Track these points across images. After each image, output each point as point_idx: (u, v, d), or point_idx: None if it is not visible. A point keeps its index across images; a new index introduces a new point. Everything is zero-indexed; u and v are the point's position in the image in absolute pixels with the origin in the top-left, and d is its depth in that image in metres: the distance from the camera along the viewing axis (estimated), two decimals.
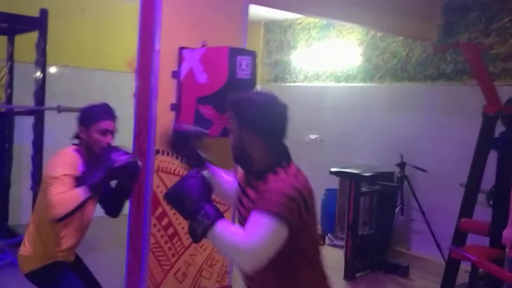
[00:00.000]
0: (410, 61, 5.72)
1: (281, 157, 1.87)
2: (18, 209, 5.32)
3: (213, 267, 3.64)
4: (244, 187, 1.96)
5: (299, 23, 6.75)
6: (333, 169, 5.41)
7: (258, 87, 7.04)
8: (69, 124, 5.55)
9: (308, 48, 6.67)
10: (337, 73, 6.48)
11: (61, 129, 5.78)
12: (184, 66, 3.24)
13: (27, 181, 4.60)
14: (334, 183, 5.80)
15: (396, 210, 5.43)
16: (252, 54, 3.03)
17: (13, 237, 4.87)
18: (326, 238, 5.98)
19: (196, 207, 1.69)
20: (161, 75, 3.26)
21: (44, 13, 4.15)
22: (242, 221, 1.86)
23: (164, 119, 3.30)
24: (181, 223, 3.45)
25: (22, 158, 5.08)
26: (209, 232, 1.65)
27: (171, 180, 3.36)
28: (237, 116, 1.88)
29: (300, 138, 6.48)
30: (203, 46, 3.26)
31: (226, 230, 1.66)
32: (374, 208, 5.31)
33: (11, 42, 4.89)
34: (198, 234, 1.66)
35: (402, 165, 5.39)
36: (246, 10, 3.58)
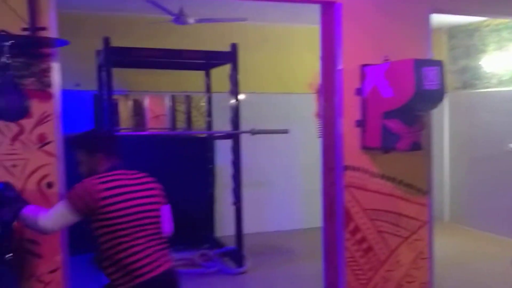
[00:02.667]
0: None
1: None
2: (222, 222, 5.93)
3: (411, 284, 3.59)
4: None
5: (487, 26, 6.26)
6: None
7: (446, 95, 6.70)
8: (262, 144, 6.14)
9: (499, 51, 6.14)
10: None
11: (255, 150, 6.40)
12: (367, 82, 3.29)
13: (228, 197, 5.11)
14: None
15: None
16: (439, 64, 2.95)
17: (220, 247, 5.44)
18: None
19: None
20: (345, 93, 3.37)
21: (234, 47, 4.60)
22: None
23: (350, 135, 3.41)
24: (375, 238, 3.49)
25: (223, 177, 5.67)
26: None
27: (361, 195, 3.44)
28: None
29: (499, 147, 5.94)
30: (385, 61, 3.28)
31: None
32: None
33: (207, 75, 5.53)
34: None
35: None
36: (428, 20, 3.52)
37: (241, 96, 6.30)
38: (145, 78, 6.08)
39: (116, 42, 4.59)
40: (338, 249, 3.46)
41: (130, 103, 7.19)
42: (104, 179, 2.27)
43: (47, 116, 2.82)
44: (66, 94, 5.48)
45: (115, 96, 6.95)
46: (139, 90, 6.39)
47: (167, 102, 6.66)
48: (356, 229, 3.45)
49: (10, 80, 2.42)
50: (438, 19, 5.61)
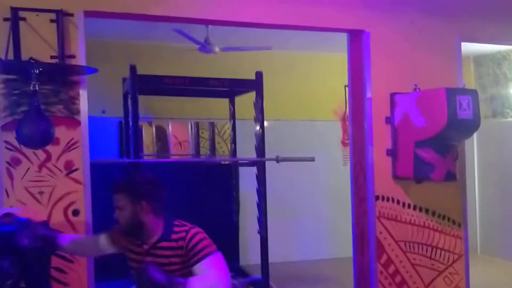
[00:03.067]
0: None
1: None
2: (247, 251, 5.82)
3: None
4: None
5: None
6: None
7: None
8: (287, 172, 6.06)
9: None
10: None
11: (280, 177, 6.32)
12: (398, 110, 3.22)
13: (253, 225, 5.01)
14: None
15: None
16: (473, 93, 2.87)
17: (244, 276, 5.32)
18: None
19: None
20: (375, 121, 3.31)
21: (259, 75, 4.56)
22: None
23: (381, 164, 3.32)
24: (408, 272, 3.36)
25: (247, 204, 5.59)
26: None
27: (393, 226, 3.33)
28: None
29: None
30: (415, 89, 3.21)
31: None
32: None
33: (232, 102, 5.50)
34: None
35: None
36: (458, 48, 3.46)
37: (266, 123, 6.31)
38: (169, 104, 6.10)
39: (142, 70, 4.61)
40: (371, 282, 3.34)
41: (153, 129, 7.25)
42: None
43: (74, 143, 2.81)
44: (93, 120, 5.64)
45: (140, 123, 7.10)
46: (163, 116, 6.42)
47: (190, 128, 6.67)
48: (389, 262, 3.34)
49: (36, 107, 2.41)
50: (464, 47, 5.54)
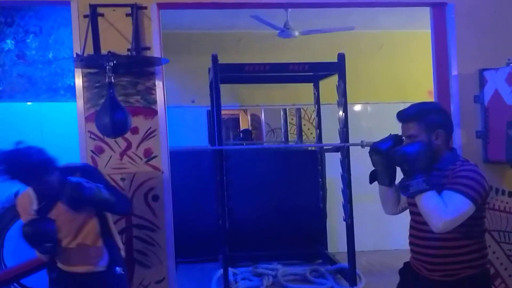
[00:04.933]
0: None
1: None
2: (335, 238, 5.72)
3: None
4: None
5: None
6: None
7: None
8: None
9: None
10: None
11: (365, 163, 6.08)
12: (488, 88, 2.94)
13: (340, 212, 4.91)
14: None
15: None
16: None
17: (333, 264, 5.25)
18: None
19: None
20: (462, 101, 3.07)
21: (341, 57, 4.43)
22: None
23: (470, 148, 3.06)
24: (502, 264, 3.09)
25: (334, 191, 5.48)
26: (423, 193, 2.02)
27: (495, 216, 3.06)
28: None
29: None
30: (508, 64, 2.90)
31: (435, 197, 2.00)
32: None
33: (316, 87, 5.41)
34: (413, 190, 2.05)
35: None
36: None
37: (355, 107, 6.14)
38: (257, 92, 6.16)
39: (226, 59, 4.69)
40: None
41: (248, 117, 7.39)
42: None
43: (152, 131, 2.93)
44: (182, 110, 5.87)
45: (235, 111, 7.31)
46: (252, 104, 6.50)
47: (282, 115, 6.70)
48: None
49: (111, 98, 2.54)
50: None
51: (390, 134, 2.26)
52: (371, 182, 2.38)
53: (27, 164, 2.14)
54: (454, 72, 3.05)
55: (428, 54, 3.31)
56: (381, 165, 2.24)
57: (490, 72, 2.93)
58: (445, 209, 1.96)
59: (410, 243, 2.28)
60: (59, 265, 2.47)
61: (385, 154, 2.17)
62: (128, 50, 2.76)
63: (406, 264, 2.34)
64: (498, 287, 3.09)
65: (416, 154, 2.04)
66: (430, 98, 3.43)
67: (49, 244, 2.28)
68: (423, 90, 5.78)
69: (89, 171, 2.46)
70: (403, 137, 2.21)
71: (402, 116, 2.20)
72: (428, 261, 2.17)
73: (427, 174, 2.05)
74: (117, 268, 2.49)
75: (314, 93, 5.45)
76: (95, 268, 2.45)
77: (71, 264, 2.45)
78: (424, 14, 3.34)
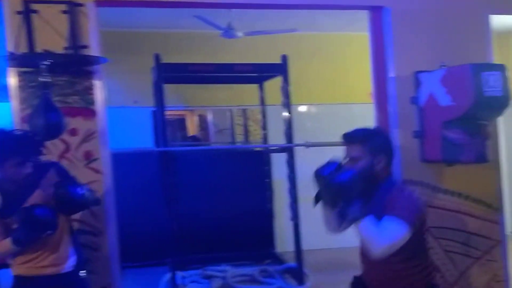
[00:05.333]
0: None
1: None
2: (284, 238, 5.77)
3: None
4: None
5: None
6: None
7: None
8: (318, 158, 5.94)
9: None
10: None
11: (311, 163, 6.18)
12: (423, 90, 3.05)
13: (287, 212, 4.96)
14: None
15: None
16: (501, 68, 2.67)
17: (281, 263, 5.29)
18: None
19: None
20: (399, 102, 3.16)
21: (284, 59, 4.48)
22: None
23: (408, 147, 3.16)
24: (440, 259, 3.21)
25: (281, 191, 5.53)
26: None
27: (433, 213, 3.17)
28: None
29: None
30: (442, 67, 3.02)
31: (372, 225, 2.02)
32: None
33: (261, 88, 5.44)
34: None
35: None
36: (487, 22, 3.23)
37: (300, 108, 6.22)
38: (203, 93, 6.11)
39: (170, 59, 4.62)
40: None
41: (196, 118, 7.32)
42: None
43: (92, 133, 2.83)
44: (125, 110, 5.73)
45: (182, 112, 7.22)
46: (198, 105, 6.45)
47: (229, 116, 6.69)
48: None
49: (46, 99, 2.44)
50: (506, 21, 5.19)
51: (331, 159, 2.22)
52: (315, 203, 2.35)
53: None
54: (392, 74, 3.14)
55: (367, 56, 3.40)
56: (323, 190, 2.20)
57: (425, 75, 3.04)
58: (382, 236, 1.97)
59: (360, 260, 2.32)
60: (19, 269, 2.36)
61: (326, 180, 2.14)
62: (65, 48, 2.66)
63: (356, 278, 2.37)
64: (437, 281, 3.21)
65: (352, 182, 2.05)
66: (369, 99, 3.52)
67: (50, 232, 2.24)
68: (364, 92, 5.94)
69: (62, 169, 2.43)
70: (348, 158, 2.20)
71: (348, 137, 2.21)
72: (375, 279, 2.24)
73: (365, 200, 2.07)
74: (81, 271, 2.45)
75: (259, 94, 5.49)
76: (64, 269, 2.38)
77: (40, 265, 2.35)
78: (364, 17, 3.42)
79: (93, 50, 2.78)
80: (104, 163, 2.86)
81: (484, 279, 3.29)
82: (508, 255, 3.38)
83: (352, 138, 2.20)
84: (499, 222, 3.32)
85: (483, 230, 3.29)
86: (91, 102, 2.81)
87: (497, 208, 3.31)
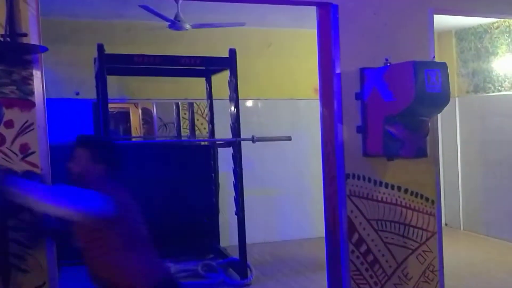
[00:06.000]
0: None
1: None
2: (227, 232, 5.77)
3: None
4: None
5: (497, 27, 6.03)
6: None
7: (456, 100, 6.51)
8: (268, 152, 6.01)
9: (511, 53, 5.90)
10: None
11: (260, 157, 6.26)
12: (367, 86, 3.13)
13: (231, 206, 4.96)
14: None
15: None
16: (442, 66, 2.77)
17: (224, 258, 5.29)
18: None
19: None
20: (344, 97, 3.22)
21: (232, 52, 4.46)
22: None
23: (351, 142, 3.24)
24: (380, 250, 3.32)
25: (227, 185, 5.52)
26: None
27: (364, 205, 3.27)
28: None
29: None
30: (385, 64, 3.11)
31: None
32: None
33: (208, 82, 5.40)
34: None
35: None
36: (431, 21, 3.35)
37: (247, 103, 6.24)
38: (149, 85, 5.98)
39: (114, 49, 4.49)
40: (342, 261, 3.29)
41: (139, 112, 7.15)
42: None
43: (29, 125, 2.70)
44: (66, 102, 5.52)
45: (125, 104, 7.04)
46: (143, 98, 6.31)
47: (175, 109, 6.58)
48: (360, 241, 3.28)
49: None
50: (446, 21, 5.42)
51: None
52: None
53: None
54: (338, 70, 3.19)
55: (313, 53, 3.44)
56: None
57: (369, 71, 3.12)
58: None
59: None
60: None
61: None
62: (2, 36, 2.52)
63: None
64: (376, 273, 3.32)
65: None
66: (316, 95, 3.57)
67: None
68: (310, 87, 6.05)
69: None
70: None
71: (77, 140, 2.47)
72: None
73: None
74: None
75: (207, 88, 5.44)
76: None
77: None
78: (312, 14, 3.46)
79: (33, 38, 2.65)
80: (42, 157, 2.74)
81: (420, 269, 3.42)
82: (442, 246, 3.52)
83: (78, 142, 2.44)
84: (435, 214, 3.46)
85: (420, 222, 3.42)
86: (30, 92, 2.68)
87: (434, 201, 3.45)
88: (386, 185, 3.32)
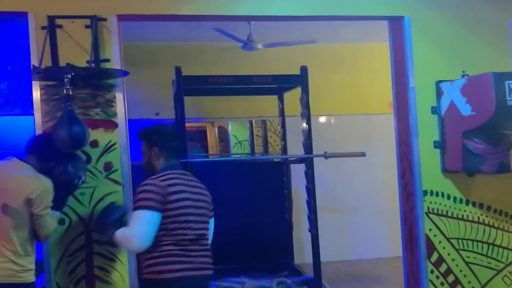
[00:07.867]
0: None
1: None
2: (301, 249, 5.73)
3: None
4: None
5: None
6: None
7: None
8: (342, 168, 5.93)
9: None
10: None
11: (330, 174, 6.20)
12: (444, 100, 3.03)
13: (305, 223, 4.93)
14: None
15: None
16: None
17: (299, 275, 5.25)
18: None
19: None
20: (419, 111, 3.14)
21: (304, 70, 4.46)
22: None
23: (428, 157, 3.14)
24: (462, 270, 3.17)
25: (299, 202, 5.51)
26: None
27: (443, 223, 3.14)
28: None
29: None
30: (463, 76, 3.00)
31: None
32: None
33: (280, 99, 5.44)
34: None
35: None
36: (510, 30, 3.20)
37: (320, 119, 6.22)
38: (224, 105, 6.15)
39: (190, 71, 4.66)
40: (421, 281, 3.17)
41: (215, 130, 7.36)
42: (164, 177, 2.40)
43: (112, 144, 2.87)
44: (147, 122, 5.78)
45: (203, 123, 7.27)
46: (218, 116, 6.49)
47: (248, 127, 6.71)
48: (440, 260, 3.15)
49: (68, 111, 2.49)
50: None
51: None
52: None
53: None
54: (412, 84, 3.13)
55: (388, 66, 3.39)
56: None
57: (446, 84, 3.02)
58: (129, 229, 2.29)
59: None
60: None
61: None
62: (87, 62, 2.72)
63: None
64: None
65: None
66: (390, 109, 3.50)
67: None
68: (384, 102, 5.92)
69: None
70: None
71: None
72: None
73: None
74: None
75: (279, 105, 5.48)
76: None
77: None
78: (384, 27, 3.43)
79: (115, 63, 2.84)
80: (124, 174, 2.90)
81: None
82: None
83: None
84: None
85: (506, 241, 3.24)
86: (113, 114, 2.87)
87: None
88: (467, 202, 3.18)
